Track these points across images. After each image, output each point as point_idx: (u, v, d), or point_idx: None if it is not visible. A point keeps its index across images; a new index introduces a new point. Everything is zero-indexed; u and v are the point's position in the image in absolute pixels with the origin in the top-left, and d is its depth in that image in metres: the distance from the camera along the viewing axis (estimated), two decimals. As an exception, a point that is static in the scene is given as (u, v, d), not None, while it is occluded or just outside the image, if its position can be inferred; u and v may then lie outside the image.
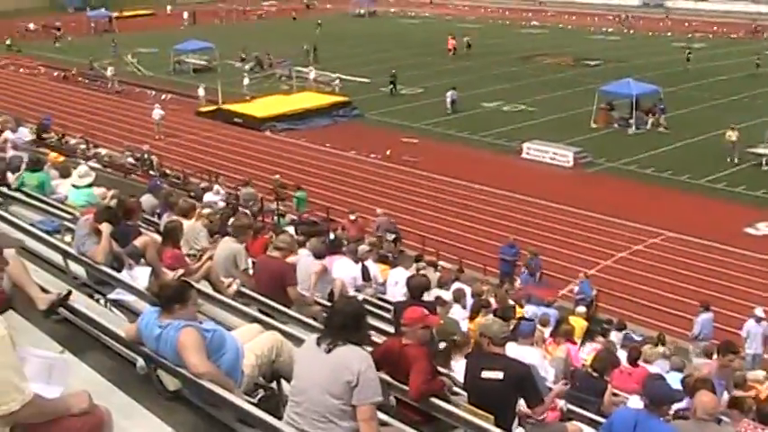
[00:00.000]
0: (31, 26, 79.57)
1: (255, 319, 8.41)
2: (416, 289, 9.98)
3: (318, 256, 12.00)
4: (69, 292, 7.23)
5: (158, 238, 10.28)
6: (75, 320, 7.25)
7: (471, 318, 12.63)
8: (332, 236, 19.72)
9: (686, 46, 63.16)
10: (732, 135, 36.60)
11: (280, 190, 29.77)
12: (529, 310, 16.96)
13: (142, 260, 9.47)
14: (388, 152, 38.09)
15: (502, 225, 29.00)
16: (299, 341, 7.04)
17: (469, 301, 14.24)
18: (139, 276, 9.13)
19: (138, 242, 9.55)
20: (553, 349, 12.55)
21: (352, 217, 25.52)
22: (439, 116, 45.51)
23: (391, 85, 51.27)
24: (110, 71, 55.42)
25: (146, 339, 6.24)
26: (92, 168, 15.52)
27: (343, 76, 53.84)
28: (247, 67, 57.40)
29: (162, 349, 6.09)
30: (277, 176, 31.78)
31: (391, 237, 26.30)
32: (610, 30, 79.89)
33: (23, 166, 13.71)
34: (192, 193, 20.99)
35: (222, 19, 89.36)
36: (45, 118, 31.89)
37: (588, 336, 15.79)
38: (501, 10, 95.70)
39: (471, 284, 17.78)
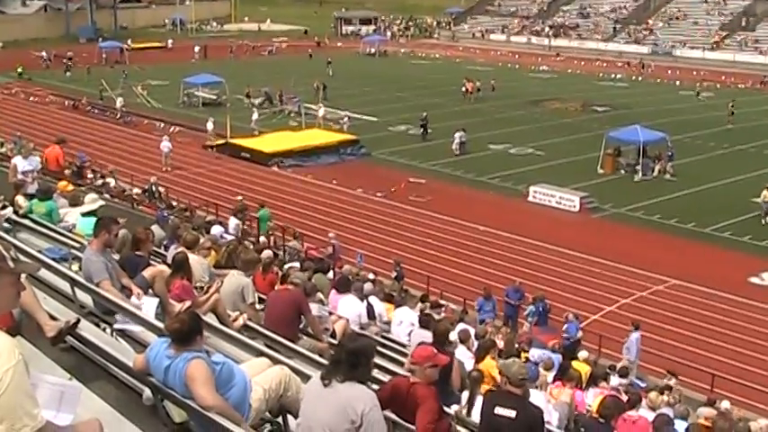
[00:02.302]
0: (44, 54, 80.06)
1: (261, 353, 8.38)
2: (442, 335, 9.98)
3: (307, 293, 11.84)
4: (78, 320, 7.21)
5: (167, 269, 10.26)
6: (83, 349, 7.23)
7: (479, 358, 12.59)
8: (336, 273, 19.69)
9: (731, 101, 59.77)
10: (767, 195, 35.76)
11: (242, 211, 30.09)
12: (533, 354, 16.89)
13: (150, 291, 9.46)
14: (393, 189, 38.19)
15: (507, 267, 28.98)
16: (304, 376, 7.02)
17: (474, 342, 14.19)
18: (145, 306, 9.10)
19: (146, 273, 9.55)
20: (558, 393, 12.49)
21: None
22: (447, 157, 45.60)
23: (422, 129, 50.45)
24: (119, 102, 55.73)
25: (154, 370, 6.21)
26: (101, 198, 15.57)
27: (352, 115, 54.02)
28: (257, 102, 57.64)
29: (170, 381, 6.06)
30: (240, 197, 32.13)
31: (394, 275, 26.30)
32: (618, 76, 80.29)
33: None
34: (195, 226, 20.97)
35: (233, 54, 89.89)
36: (80, 157, 31.92)
37: (592, 381, 15.69)
38: (511, 54, 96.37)
39: (475, 326, 17.77)
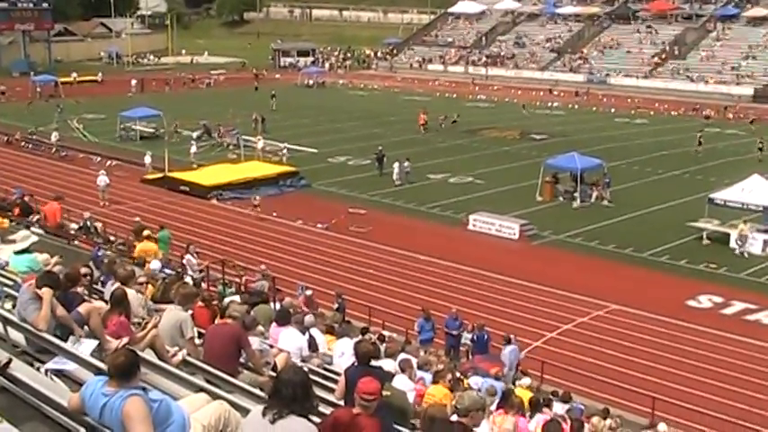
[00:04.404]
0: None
1: (201, 389, 8.25)
2: (365, 356, 9.89)
3: (247, 327, 11.66)
4: (9, 360, 7.05)
5: (102, 305, 10.09)
6: (15, 389, 7.05)
7: (433, 383, 12.63)
8: (278, 306, 19.54)
9: (700, 128, 59.85)
10: (745, 229, 35.43)
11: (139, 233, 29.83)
12: (475, 382, 16.88)
13: (86, 327, 9.28)
14: (333, 221, 38.12)
15: (448, 296, 28.98)
16: (245, 411, 6.92)
17: (416, 371, 14.16)
18: (82, 348, 8.90)
19: (81, 309, 9.37)
20: (501, 421, 12.48)
21: (309, 293, 25.30)
22: (387, 187, 45.70)
23: (378, 162, 49.19)
24: (54, 136, 54.97)
25: (90, 409, 6.08)
26: (35, 234, 15.30)
27: (291, 146, 53.90)
28: (195, 135, 57.25)
29: (107, 419, 5.93)
30: (137, 219, 32.21)
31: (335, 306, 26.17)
32: (555, 104, 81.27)
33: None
34: (136, 262, 20.74)
35: (170, 87, 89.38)
36: (16, 192, 31.67)
37: (535, 408, 15.70)
38: (449, 83, 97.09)
39: (417, 355, 17.73)
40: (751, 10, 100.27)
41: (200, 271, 26.97)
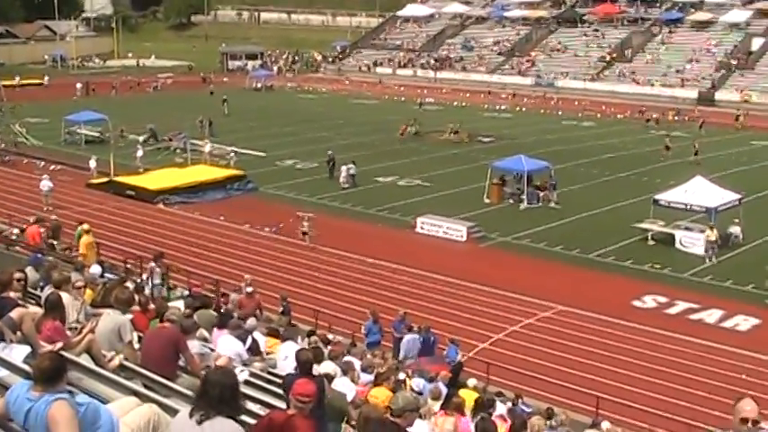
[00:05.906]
0: None
1: (136, 393, 8.13)
2: (305, 365, 9.85)
3: (186, 330, 11.49)
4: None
5: (36, 309, 9.92)
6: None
7: (375, 384, 12.64)
8: (221, 310, 19.38)
9: (667, 135, 59.97)
10: (711, 235, 35.03)
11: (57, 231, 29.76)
12: (417, 383, 16.87)
13: (19, 333, 9.11)
14: (281, 224, 37.92)
15: (395, 299, 28.96)
16: (179, 415, 6.83)
17: (359, 374, 14.13)
18: (14, 353, 8.74)
19: (13, 314, 9.20)
20: (442, 422, 12.50)
21: (249, 290, 25.00)
22: (335, 190, 45.62)
23: (329, 166, 48.95)
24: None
25: (14, 414, 5.96)
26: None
27: (239, 150, 53.64)
28: (141, 139, 56.68)
29: (32, 424, 5.82)
30: (54, 217, 32.33)
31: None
32: (503, 107, 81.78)
33: None
34: (76, 266, 20.47)
35: (116, 90, 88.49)
36: None
37: (480, 408, 15.73)
38: (397, 86, 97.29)
39: (363, 356, 17.70)
40: (695, 14, 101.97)
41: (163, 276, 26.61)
